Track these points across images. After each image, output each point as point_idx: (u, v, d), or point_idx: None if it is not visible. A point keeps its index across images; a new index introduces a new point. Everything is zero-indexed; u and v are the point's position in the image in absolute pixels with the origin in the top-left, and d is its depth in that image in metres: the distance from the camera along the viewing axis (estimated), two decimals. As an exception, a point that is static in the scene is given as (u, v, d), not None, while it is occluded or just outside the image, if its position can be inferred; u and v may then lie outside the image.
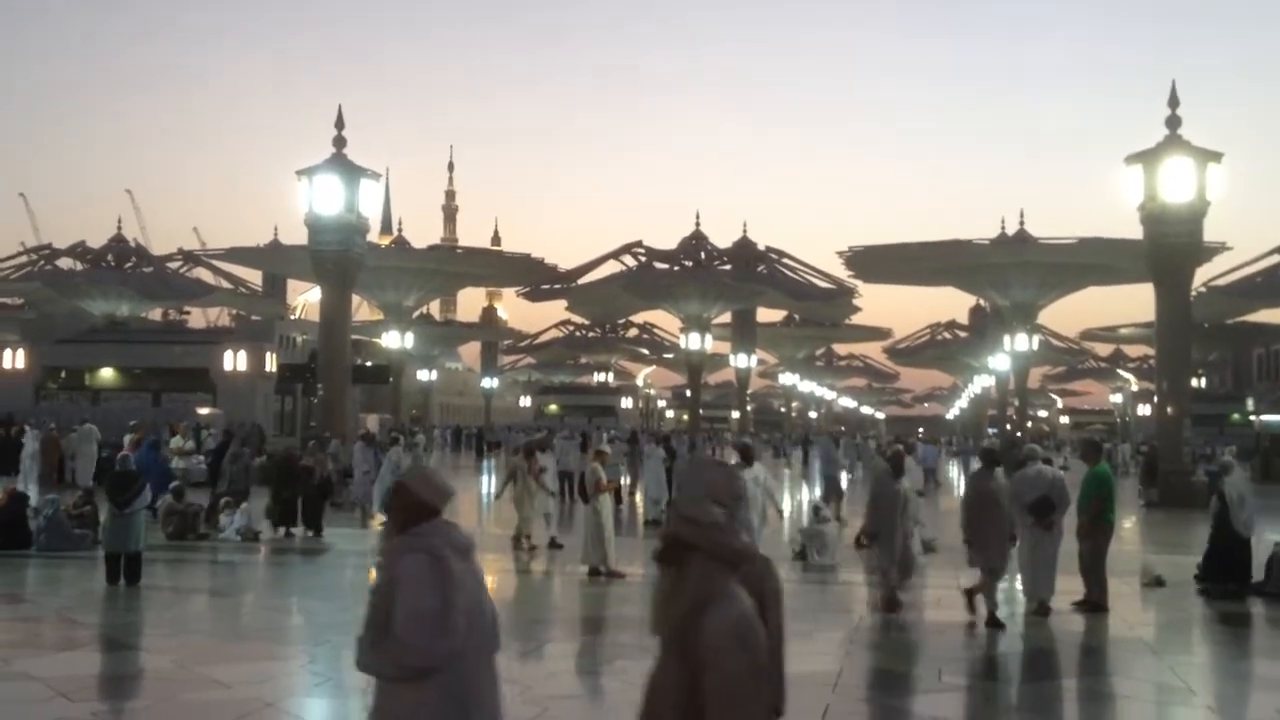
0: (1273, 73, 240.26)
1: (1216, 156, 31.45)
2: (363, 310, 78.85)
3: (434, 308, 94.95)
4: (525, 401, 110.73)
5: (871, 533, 13.20)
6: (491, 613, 4.48)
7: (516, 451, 20.63)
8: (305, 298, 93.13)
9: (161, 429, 33.26)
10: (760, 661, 3.42)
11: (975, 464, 17.14)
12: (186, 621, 12.63)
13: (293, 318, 77.80)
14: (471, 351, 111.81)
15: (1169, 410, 31.82)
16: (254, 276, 75.90)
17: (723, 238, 75.71)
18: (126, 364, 56.49)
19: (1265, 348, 78.14)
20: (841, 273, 71.81)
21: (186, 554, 17.64)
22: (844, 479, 30.68)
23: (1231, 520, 14.33)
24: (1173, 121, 31.36)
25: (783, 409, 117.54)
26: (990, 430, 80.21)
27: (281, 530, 19.98)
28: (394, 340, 62.61)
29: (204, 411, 47.67)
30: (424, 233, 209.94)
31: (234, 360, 55.30)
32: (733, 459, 17.62)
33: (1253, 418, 59.95)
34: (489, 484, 37.09)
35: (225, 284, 76.32)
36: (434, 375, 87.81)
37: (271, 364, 54.22)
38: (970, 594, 12.47)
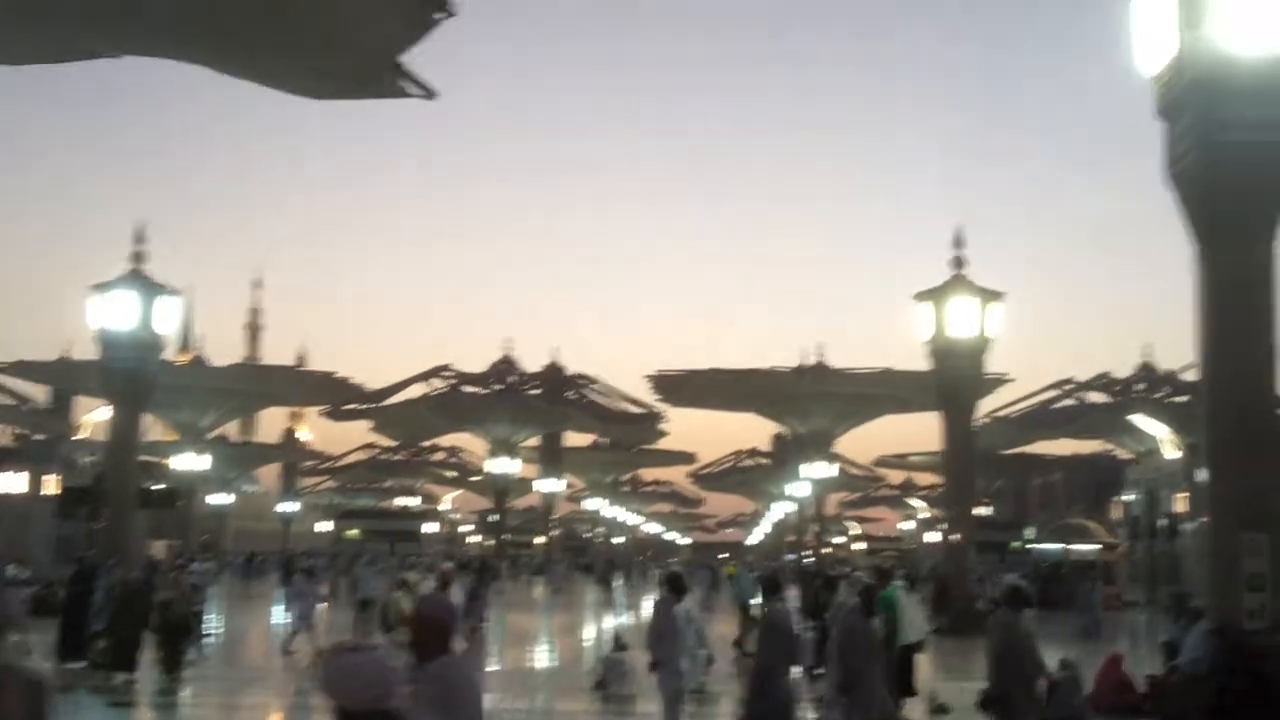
0: (1055, 209, 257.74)
1: (998, 295, 33.40)
2: (156, 430, 76.04)
3: (235, 429, 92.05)
4: (325, 526, 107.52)
5: (845, 684, 11.26)
6: None
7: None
8: (92, 416, 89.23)
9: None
10: None
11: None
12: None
13: (80, 437, 74.47)
14: (271, 474, 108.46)
15: (954, 536, 33.12)
16: (41, 393, 72.71)
17: (532, 362, 76.24)
18: (-108, 486, 52.92)
19: (1042, 478, 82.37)
20: (649, 397, 73.06)
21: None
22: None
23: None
24: (957, 262, 33.26)
25: (588, 534, 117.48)
26: (789, 556, 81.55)
27: (119, 676, 17.12)
28: (186, 462, 60.67)
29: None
30: (228, 350, 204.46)
31: (12, 482, 53.09)
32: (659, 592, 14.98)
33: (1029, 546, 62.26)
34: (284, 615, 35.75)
35: (7, 400, 72.81)
36: (230, 498, 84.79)
37: (53, 486, 51.86)
38: None
